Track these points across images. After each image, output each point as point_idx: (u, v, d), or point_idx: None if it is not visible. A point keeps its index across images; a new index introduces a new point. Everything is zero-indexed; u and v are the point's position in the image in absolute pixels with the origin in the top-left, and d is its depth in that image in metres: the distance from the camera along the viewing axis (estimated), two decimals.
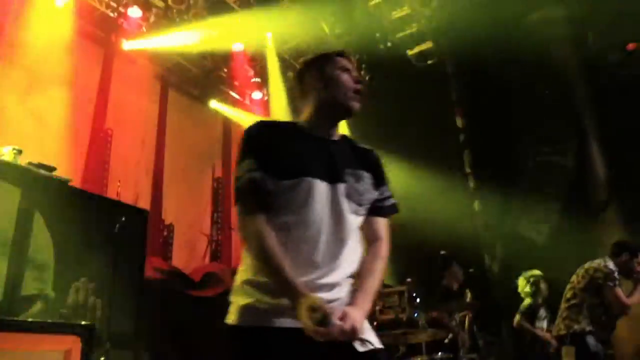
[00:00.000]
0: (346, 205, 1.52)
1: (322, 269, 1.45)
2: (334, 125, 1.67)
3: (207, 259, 5.08)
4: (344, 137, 1.70)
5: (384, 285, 3.27)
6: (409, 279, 3.89)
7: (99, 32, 4.76)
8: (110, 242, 2.92)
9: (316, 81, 1.63)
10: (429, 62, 5.83)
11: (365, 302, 1.46)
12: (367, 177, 1.60)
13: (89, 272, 2.82)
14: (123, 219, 2.78)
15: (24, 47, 4.01)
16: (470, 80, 5.68)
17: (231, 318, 1.42)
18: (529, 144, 5.60)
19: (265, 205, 1.45)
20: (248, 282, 1.45)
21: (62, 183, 2.90)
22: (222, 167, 5.95)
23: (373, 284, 1.52)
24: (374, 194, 1.62)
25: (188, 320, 3.50)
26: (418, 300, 3.82)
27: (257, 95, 6.28)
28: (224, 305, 1.43)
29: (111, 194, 3.64)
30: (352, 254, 1.51)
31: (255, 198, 1.45)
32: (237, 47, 5.53)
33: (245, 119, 5.97)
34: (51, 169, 2.88)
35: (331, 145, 1.60)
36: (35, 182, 2.77)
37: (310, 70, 1.66)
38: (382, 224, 1.65)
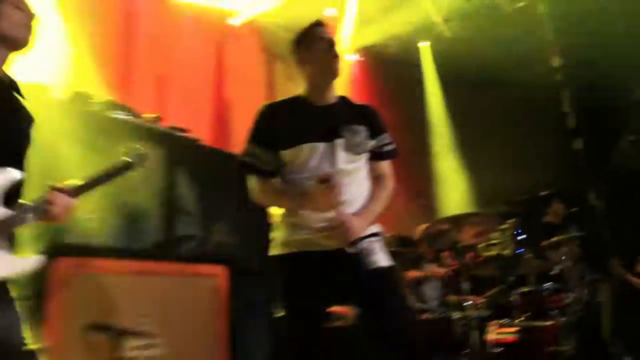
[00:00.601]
0: (343, 157, 1.80)
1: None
2: (328, 91, 1.90)
3: None
4: (340, 98, 1.95)
5: (487, 222, 3.28)
6: (512, 219, 3.82)
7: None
8: (238, 192, 3.25)
9: (303, 60, 1.89)
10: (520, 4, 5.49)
11: (366, 215, 1.80)
12: (363, 130, 1.86)
13: (224, 217, 3.16)
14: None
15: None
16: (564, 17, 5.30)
17: (273, 251, 1.85)
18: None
19: (263, 173, 1.82)
20: (280, 223, 1.87)
21: (195, 142, 3.23)
22: None
23: (375, 205, 1.85)
24: (371, 144, 1.88)
25: None
26: (522, 237, 3.80)
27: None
28: None
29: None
30: (353, 194, 1.79)
31: (250, 170, 1.84)
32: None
33: None
34: (185, 130, 3.23)
35: (328, 109, 1.87)
36: (175, 142, 3.09)
37: (298, 49, 1.91)
38: (383, 166, 1.94)
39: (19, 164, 1.50)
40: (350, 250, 1.68)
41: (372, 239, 1.79)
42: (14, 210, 1.44)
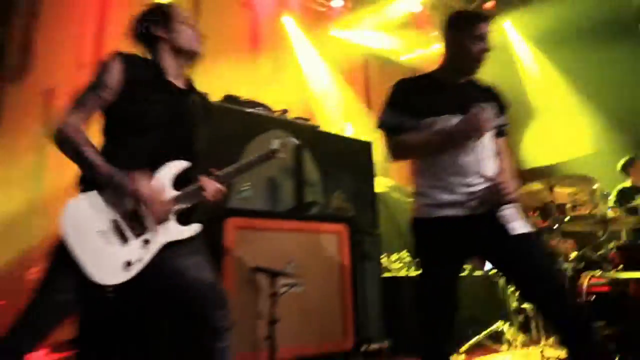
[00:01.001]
0: None
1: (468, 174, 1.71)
2: (462, 75, 1.84)
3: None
4: (469, 80, 1.87)
5: (577, 183, 3.09)
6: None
7: None
8: (348, 167, 3.47)
9: (451, 42, 1.81)
10: None
11: (504, 173, 1.74)
12: (491, 107, 1.78)
13: (342, 186, 3.40)
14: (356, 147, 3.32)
15: None
16: None
17: (415, 214, 1.79)
18: None
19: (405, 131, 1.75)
20: (422, 188, 1.79)
21: (315, 128, 3.49)
22: None
23: (506, 166, 1.79)
24: (498, 121, 1.81)
25: None
26: (610, 197, 3.52)
27: None
28: None
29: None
30: (488, 166, 1.72)
31: (393, 132, 1.77)
32: None
33: None
34: (306, 119, 3.50)
35: (461, 87, 1.81)
36: (300, 129, 3.37)
37: (450, 29, 1.81)
38: (501, 143, 1.87)
39: (188, 156, 1.60)
40: (501, 212, 1.60)
41: (513, 205, 1.68)
42: (177, 193, 1.56)
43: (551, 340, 3.04)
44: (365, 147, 3.80)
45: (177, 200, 1.58)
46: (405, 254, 3.84)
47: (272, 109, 3.40)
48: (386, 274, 3.58)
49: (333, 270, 2.74)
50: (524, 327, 3.34)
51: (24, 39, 3.89)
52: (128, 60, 1.54)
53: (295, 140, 1.82)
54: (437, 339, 1.69)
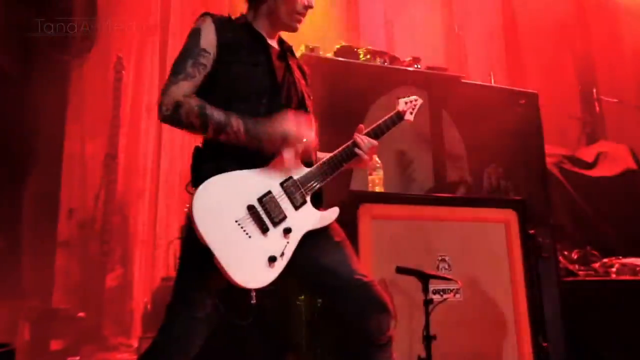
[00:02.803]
0: None
1: None
2: None
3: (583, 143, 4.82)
4: None
5: None
6: None
7: None
8: (507, 131, 3.10)
9: None
10: None
11: None
12: None
13: (497, 158, 3.05)
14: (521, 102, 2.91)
15: None
16: None
17: None
18: None
19: None
20: None
21: (456, 79, 3.16)
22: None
23: None
24: None
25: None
26: None
27: None
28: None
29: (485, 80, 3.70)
30: None
31: None
32: None
33: None
34: (443, 69, 3.18)
35: None
36: (435, 83, 3.07)
37: None
38: None
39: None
40: None
41: None
42: (319, 168, 1.56)
43: None
44: (531, 100, 3.24)
45: (323, 171, 1.57)
46: (590, 251, 3.24)
47: (399, 58, 3.03)
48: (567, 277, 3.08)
49: (499, 273, 2.43)
50: None
51: (87, 7, 4.09)
52: (220, 22, 1.55)
53: (417, 99, 1.76)
54: None
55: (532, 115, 3.23)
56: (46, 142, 3.76)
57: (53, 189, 3.81)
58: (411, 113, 1.76)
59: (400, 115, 1.73)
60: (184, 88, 1.46)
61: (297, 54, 2.59)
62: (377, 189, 2.50)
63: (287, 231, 1.47)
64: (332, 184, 2.37)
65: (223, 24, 1.56)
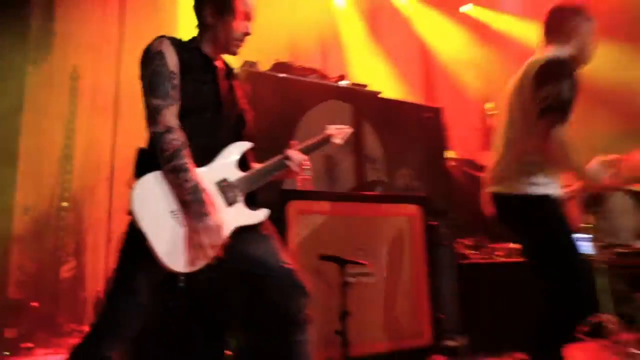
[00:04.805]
0: None
1: None
2: None
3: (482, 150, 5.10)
4: None
5: None
6: None
7: None
8: (417, 138, 3.27)
9: None
10: None
11: None
12: None
13: (409, 161, 3.21)
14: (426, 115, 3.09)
15: None
16: None
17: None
18: None
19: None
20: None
21: (375, 95, 3.30)
22: None
23: None
24: None
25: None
26: None
27: None
28: None
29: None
30: None
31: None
32: None
33: None
34: (364, 85, 3.31)
35: None
36: (358, 97, 3.18)
37: None
38: None
39: (246, 135, 1.62)
40: None
41: None
42: (252, 173, 1.56)
43: None
44: (436, 114, 3.43)
45: (248, 181, 1.56)
46: (480, 239, 3.46)
47: (327, 75, 3.10)
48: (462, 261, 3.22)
49: (405, 258, 2.53)
50: (630, 319, 3.11)
51: (45, 19, 3.91)
52: (177, 44, 1.53)
53: (348, 128, 1.85)
54: None
55: (437, 126, 3.41)
56: (1, 140, 3.57)
57: (8, 185, 3.62)
58: (342, 139, 1.85)
59: (328, 139, 1.82)
60: (174, 113, 1.45)
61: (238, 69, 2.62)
62: (305, 188, 2.58)
63: None
64: (266, 183, 2.44)
65: (179, 46, 1.55)
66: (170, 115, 1.45)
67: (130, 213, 1.38)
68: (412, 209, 2.64)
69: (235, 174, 1.55)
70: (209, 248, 1.41)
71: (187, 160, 1.41)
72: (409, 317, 2.51)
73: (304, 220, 2.35)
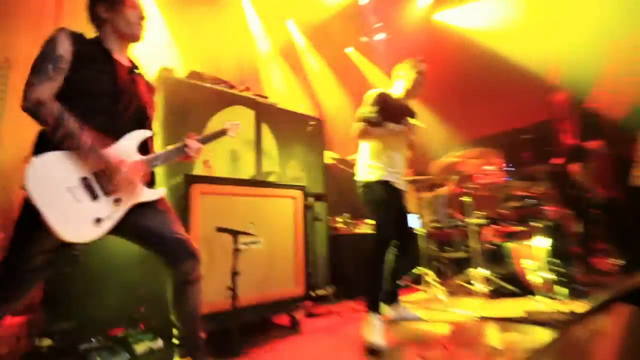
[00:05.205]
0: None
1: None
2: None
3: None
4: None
5: (485, 156, 3.14)
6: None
7: None
8: (303, 140, 3.25)
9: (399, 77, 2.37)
10: None
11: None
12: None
13: (297, 157, 3.18)
14: (311, 123, 3.08)
15: None
16: None
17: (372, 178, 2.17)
18: None
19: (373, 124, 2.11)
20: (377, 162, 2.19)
21: (273, 105, 3.21)
22: None
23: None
24: None
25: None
26: (510, 168, 3.66)
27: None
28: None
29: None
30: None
31: (368, 123, 2.10)
32: None
33: None
34: (265, 97, 3.21)
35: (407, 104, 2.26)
36: (260, 105, 3.08)
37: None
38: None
39: (147, 126, 1.49)
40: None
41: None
42: (152, 157, 1.45)
43: (460, 279, 3.18)
44: (319, 124, 3.46)
45: (155, 160, 1.45)
46: (347, 216, 3.62)
47: (235, 86, 2.93)
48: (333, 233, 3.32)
49: (289, 230, 2.50)
50: (440, 272, 3.46)
51: None
52: (74, 35, 1.36)
53: (239, 124, 1.82)
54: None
55: (318, 132, 3.44)
56: None
57: None
58: (235, 132, 1.81)
59: (224, 132, 1.75)
60: (47, 89, 1.25)
61: (157, 74, 2.36)
62: (209, 174, 2.42)
63: (117, 201, 1.35)
64: (177, 169, 2.22)
65: (77, 37, 1.36)
66: (44, 90, 1.26)
67: (23, 188, 1.19)
68: (296, 193, 2.62)
69: (134, 157, 1.41)
70: (124, 184, 1.33)
71: (74, 124, 1.25)
72: (289, 275, 2.50)
73: (206, 200, 2.20)
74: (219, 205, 2.25)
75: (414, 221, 3.31)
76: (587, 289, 2.86)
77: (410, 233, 2.19)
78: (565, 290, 2.69)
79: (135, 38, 1.48)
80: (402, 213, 2.21)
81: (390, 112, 2.07)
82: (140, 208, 1.42)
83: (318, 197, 3.07)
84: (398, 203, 2.14)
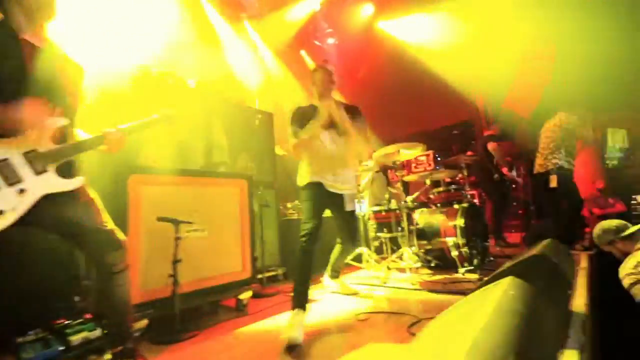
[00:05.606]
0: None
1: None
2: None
3: None
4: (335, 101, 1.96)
5: (416, 148, 3.10)
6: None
7: None
8: (254, 132, 3.03)
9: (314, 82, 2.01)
10: None
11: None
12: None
13: (247, 149, 2.96)
14: (259, 116, 2.86)
15: None
16: None
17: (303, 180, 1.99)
18: None
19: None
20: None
21: (226, 99, 2.96)
22: None
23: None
24: None
25: None
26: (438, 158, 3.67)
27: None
28: None
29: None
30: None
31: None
32: None
33: None
34: (219, 92, 2.93)
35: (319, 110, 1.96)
36: (213, 100, 2.82)
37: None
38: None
39: (66, 115, 1.27)
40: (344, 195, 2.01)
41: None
42: (64, 146, 1.24)
43: (395, 256, 3.17)
44: (268, 117, 3.22)
45: (61, 152, 1.23)
46: (297, 202, 3.45)
47: (186, 82, 2.69)
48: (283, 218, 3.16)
49: (234, 217, 2.29)
50: (378, 250, 3.44)
51: None
52: None
53: (170, 112, 1.56)
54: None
55: (267, 125, 3.24)
56: None
57: None
58: (163, 120, 1.54)
59: (156, 120, 1.51)
60: None
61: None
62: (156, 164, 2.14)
63: (22, 191, 1.14)
64: (117, 161, 1.92)
65: None
66: None
67: None
68: (242, 182, 2.41)
69: (46, 146, 1.21)
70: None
71: None
72: (236, 260, 2.31)
73: (147, 190, 1.94)
74: (161, 195, 2.00)
75: (358, 206, 3.22)
76: (498, 260, 2.93)
77: (350, 227, 2.06)
78: (478, 262, 2.74)
79: (51, 13, 1.25)
80: (339, 210, 2.05)
81: (304, 122, 1.95)
82: (59, 198, 1.21)
83: (268, 185, 2.88)
84: (327, 201, 1.97)
